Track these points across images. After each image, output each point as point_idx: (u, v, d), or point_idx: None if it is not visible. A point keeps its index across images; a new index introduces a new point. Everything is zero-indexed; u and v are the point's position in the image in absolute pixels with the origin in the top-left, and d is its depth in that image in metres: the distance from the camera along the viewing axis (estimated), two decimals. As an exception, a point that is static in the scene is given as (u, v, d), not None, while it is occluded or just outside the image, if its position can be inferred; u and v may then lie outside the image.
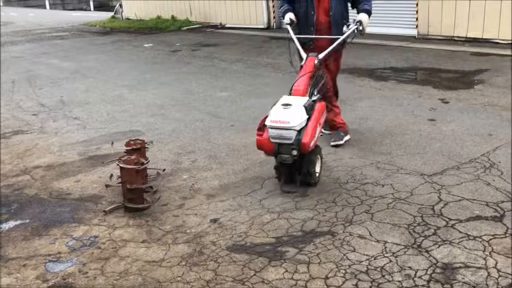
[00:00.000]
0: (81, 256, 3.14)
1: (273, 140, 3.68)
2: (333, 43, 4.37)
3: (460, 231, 3.12)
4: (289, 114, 3.65)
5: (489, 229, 3.12)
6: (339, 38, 4.37)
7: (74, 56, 11.79)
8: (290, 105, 3.73)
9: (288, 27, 4.52)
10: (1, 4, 31.53)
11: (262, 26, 13.60)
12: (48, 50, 13.06)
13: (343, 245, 3.06)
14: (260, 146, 3.80)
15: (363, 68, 8.21)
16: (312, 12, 4.57)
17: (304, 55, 4.29)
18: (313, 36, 4.60)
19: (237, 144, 4.98)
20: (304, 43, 4.53)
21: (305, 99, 3.84)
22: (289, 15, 4.56)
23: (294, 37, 4.47)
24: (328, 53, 4.31)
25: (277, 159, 3.78)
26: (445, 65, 7.92)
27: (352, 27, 4.37)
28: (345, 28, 4.43)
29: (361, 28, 4.39)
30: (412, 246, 2.99)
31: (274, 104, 3.79)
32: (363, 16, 4.45)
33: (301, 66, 4.25)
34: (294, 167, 3.84)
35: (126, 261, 3.05)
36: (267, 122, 3.69)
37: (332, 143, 4.72)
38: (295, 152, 3.66)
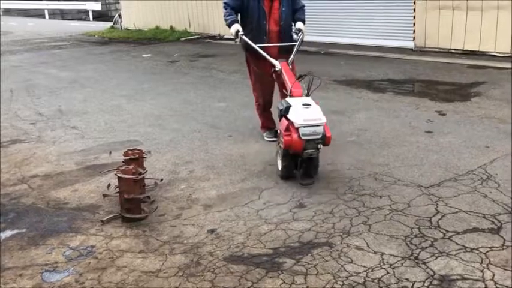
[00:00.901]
0: (78, 266, 3.13)
1: (304, 138, 3.93)
2: (282, 51, 4.88)
3: (457, 243, 3.12)
4: (317, 112, 4.00)
5: (486, 241, 3.13)
6: (293, 44, 4.82)
7: (72, 65, 11.82)
8: (309, 105, 4.05)
9: (244, 37, 4.82)
10: (1, 14, 31.65)
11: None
12: (47, 59, 13.10)
13: (341, 256, 3.06)
14: (289, 145, 4.00)
15: (361, 79, 8.25)
16: (264, 22, 4.94)
17: (275, 62, 4.63)
18: (268, 44, 4.93)
19: (235, 155, 4.98)
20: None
21: (309, 99, 4.16)
22: (237, 27, 4.86)
23: (255, 46, 4.78)
24: (294, 56, 4.74)
25: (304, 155, 4.00)
26: (442, 77, 7.97)
27: (300, 35, 4.84)
28: (295, 36, 4.88)
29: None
30: (409, 258, 2.99)
31: (287, 107, 4.06)
32: (301, 25, 4.95)
33: (274, 71, 4.64)
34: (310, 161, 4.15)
35: (123, 272, 3.04)
36: (299, 121, 3.93)
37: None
38: (320, 146, 4.00)
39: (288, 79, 4.39)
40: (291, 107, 4.04)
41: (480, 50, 9.38)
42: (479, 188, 3.90)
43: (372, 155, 4.74)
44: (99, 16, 29.77)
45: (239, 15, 5.02)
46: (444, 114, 5.97)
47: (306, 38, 5.10)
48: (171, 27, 17.17)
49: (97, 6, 30.23)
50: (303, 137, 3.92)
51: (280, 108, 4.18)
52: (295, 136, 3.94)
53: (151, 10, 18.32)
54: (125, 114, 6.85)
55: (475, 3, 9.29)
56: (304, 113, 3.96)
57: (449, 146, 4.88)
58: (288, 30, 4.96)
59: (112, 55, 13.52)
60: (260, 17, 4.90)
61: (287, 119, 4.06)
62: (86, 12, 30.88)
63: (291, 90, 4.25)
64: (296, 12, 5.00)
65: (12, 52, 14.90)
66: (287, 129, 4.03)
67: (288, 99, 4.17)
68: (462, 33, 9.62)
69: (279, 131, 4.31)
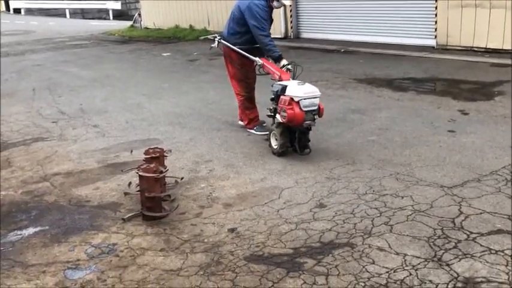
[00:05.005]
0: (100, 264, 3.15)
1: (304, 109, 4.49)
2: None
3: (481, 245, 3.07)
4: (312, 87, 4.62)
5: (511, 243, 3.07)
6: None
7: (93, 64, 11.94)
8: (302, 82, 4.66)
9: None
10: (1, 11, 32.47)
11: (279, 36, 13.58)
12: (68, 58, 13.25)
13: (362, 257, 3.03)
14: (292, 118, 4.50)
15: (382, 78, 8.17)
16: None
17: (256, 59, 5.26)
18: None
19: (254, 154, 4.97)
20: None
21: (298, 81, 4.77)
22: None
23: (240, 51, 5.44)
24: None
25: (305, 125, 4.54)
26: (465, 76, 7.84)
27: None
28: None
29: None
30: (432, 260, 2.95)
31: (283, 88, 4.62)
32: None
33: (257, 66, 5.28)
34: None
35: (144, 270, 3.06)
36: (300, 94, 4.50)
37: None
38: (316, 117, 4.60)
39: (272, 68, 5.07)
40: (287, 86, 4.62)
41: (504, 48, 9.20)
42: (504, 188, 3.83)
43: (393, 155, 4.69)
44: (119, 15, 30.02)
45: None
46: (467, 114, 5.88)
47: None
48: (191, 26, 17.21)
49: (117, 6, 30.50)
50: (304, 109, 4.47)
51: (276, 89, 4.74)
52: (297, 109, 4.48)
53: (170, 9, 18.40)
54: (145, 113, 6.89)
55: (498, 1, 9.12)
56: (302, 88, 4.56)
57: (472, 145, 4.80)
58: None
59: (132, 54, 13.62)
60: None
61: (286, 96, 4.57)
62: (106, 11, 31.17)
63: (279, 76, 4.87)
64: None
65: (34, 51, 15.11)
66: (289, 103, 4.52)
67: (280, 82, 4.77)
68: (485, 31, 9.45)
69: (278, 109, 4.71)
